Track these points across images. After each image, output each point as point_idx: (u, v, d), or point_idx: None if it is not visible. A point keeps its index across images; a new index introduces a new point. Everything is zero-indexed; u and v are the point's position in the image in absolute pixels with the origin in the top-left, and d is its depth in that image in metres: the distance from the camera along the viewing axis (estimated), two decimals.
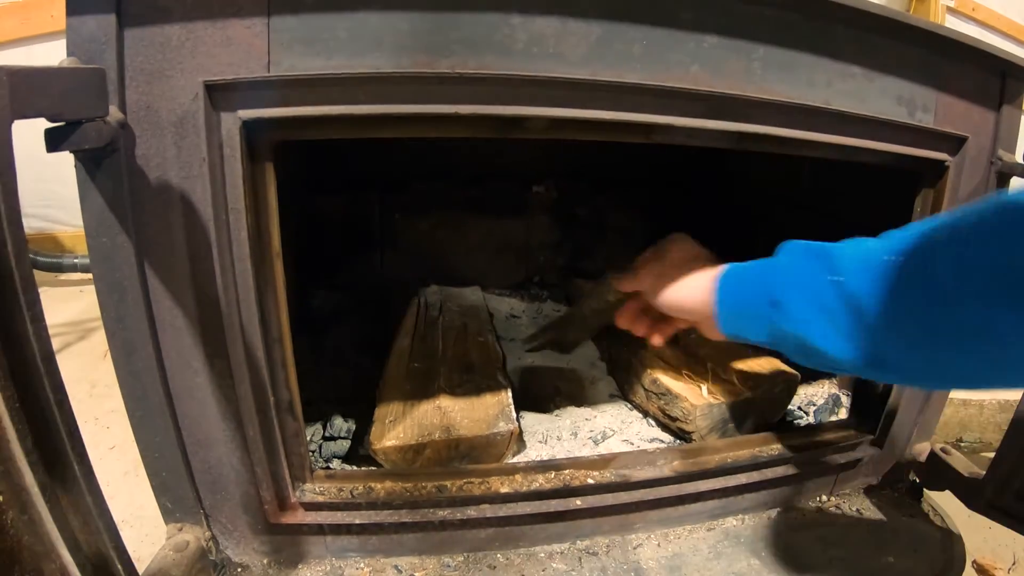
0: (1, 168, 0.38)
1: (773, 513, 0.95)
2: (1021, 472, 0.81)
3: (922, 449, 0.99)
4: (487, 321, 1.35)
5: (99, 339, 1.71)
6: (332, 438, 0.97)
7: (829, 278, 0.44)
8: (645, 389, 1.08)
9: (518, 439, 0.95)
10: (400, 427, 0.91)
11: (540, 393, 1.17)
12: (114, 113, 0.55)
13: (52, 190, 2.15)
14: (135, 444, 0.69)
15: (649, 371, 1.08)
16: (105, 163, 0.56)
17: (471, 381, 1.05)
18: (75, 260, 2.10)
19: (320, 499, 0.77)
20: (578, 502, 0.83)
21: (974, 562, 1.03)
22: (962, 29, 1.32)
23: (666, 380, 1.05)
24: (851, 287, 0.42)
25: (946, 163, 0.83)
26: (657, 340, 0.68)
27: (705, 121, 0.68)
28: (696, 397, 1.00)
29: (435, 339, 1.23)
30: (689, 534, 0.90)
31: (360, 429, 0.98)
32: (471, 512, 0.80)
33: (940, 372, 0.41)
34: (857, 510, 0.97)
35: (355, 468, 0.93)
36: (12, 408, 0.38)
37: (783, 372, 1.09)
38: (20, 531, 0.39)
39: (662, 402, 1.04)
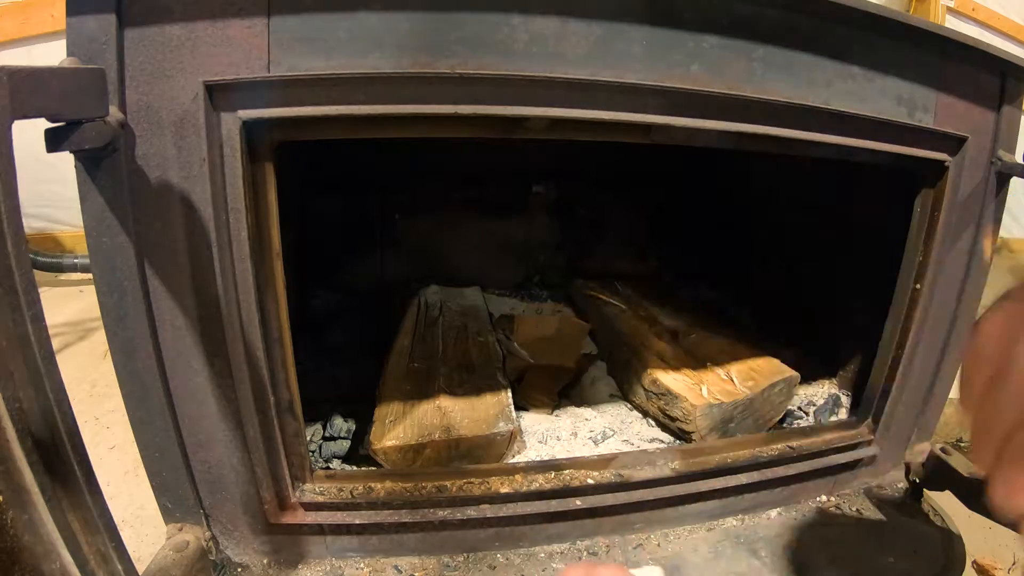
0: (1, 168, 0.38)
1: (773, 513, 0.95)
2: None
3: (922, 449, 0.99)
4: (487, 321, 1.35)
5: (99, 339, 1.71)
6: (332, 438, 0.97)
7: None
8: (645, 389, 1.08)
9: (518, 439, 0.95)
10: (400, 427, 0.91)
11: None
12: (114, 113, 0.55)
13: (52, 190, 2.16)
14: (135, 444, 0.69)
15: (649, 371, 1.08)
16: (105, 163, 0.56)
17: (471, 381, 1.05)
18: (75, 260, 2.10)
19: (320, 499, 0.77)
20: (578, 502, 0.83)
21: (974, 562, 1.03)
22: (962, 29, 1.32)
23: (666, 380, 1.05)
24: None
25: (946, 163, 0.83)
26: None
27: (705, 121, 0.68)
28: (696, 397, 1.00)
29: (435, 339, 1.23)
30: (689, 534, 0.90)
31: (360, 429, 0.98)
32: (471, 512, 0.80)
33: None
34: (857, 510, 0.97)
35: (355, 468, 0.93)
36: (12, 408, 0.38)
37: (783, 372, 1.09)
38: (20, 531, 0.39)
39: (662, 402, 1.04)
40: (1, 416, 0.37)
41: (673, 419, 1.03)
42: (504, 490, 0.81)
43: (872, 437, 0.97)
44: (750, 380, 1.06)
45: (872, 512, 0.97)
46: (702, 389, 1.03)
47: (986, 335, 0.34)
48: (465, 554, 0.84)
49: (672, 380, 1.05)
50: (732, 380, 1.06)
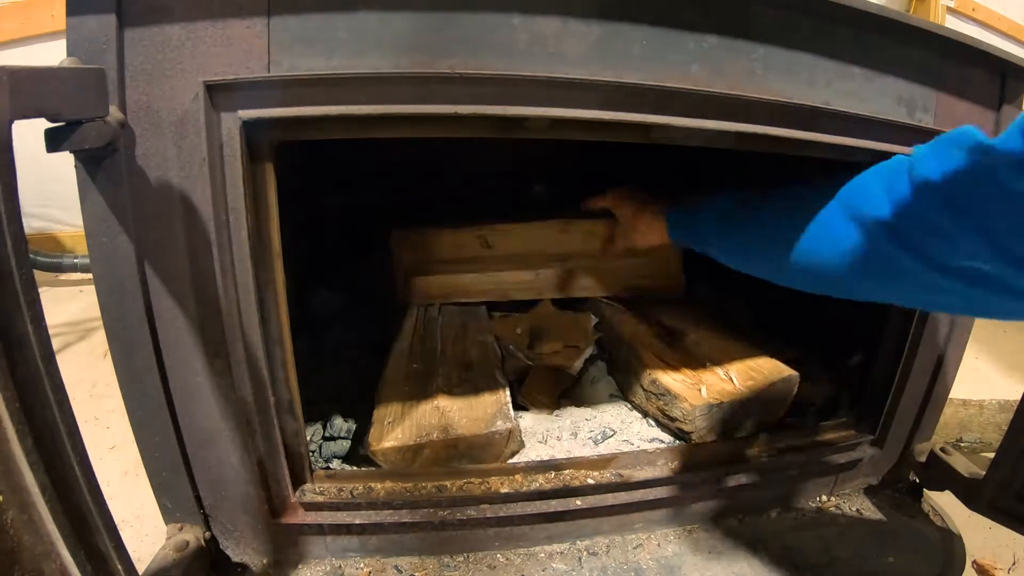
0: (1, 168, 0.38)
1: (773, 513, 0.95)
2: (1021, 472, 0.81)
3: (922, 449, 0.99)
4: (486, 320, 1.35)
5: (99, 339, 1.71)
6: (332, 438, 0.97)
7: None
8: (644, 389, 1.08)
9: (517, 438, 0.95)
10: (399, 428, 0.91)
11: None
12: (114, 113, 0.55)
13: (52, 190, 2.16)
14: (135, 444, 0.69)
15: (648, 371, 1.08)
16: (105, 163, 0.56)
17: (469, 381, 1.05)
18: (75, 260, 2.10)
19: (320, 499, 0.77)
20: (578, 502, 0.83)
21: (974, 562, 1.03)
22: (962, 29, 1.32)
23: (665, 380, 1.05)
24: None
25: None
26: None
27: (705, 121, 0.68)
28: (695, 397, 1.00)
29: (435, 339, 1.23)
30: (689, 534, 0.90)
31: (360, 429, 0.98)
32: (471, 512, 0.80)
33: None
34: (857, 510, 0.97)
35: (355, 468, 0.93)
36: (12, 408, 0.38)
37: (783, 372, 1.09)
38: (20, 531, 0.39)
39: (661, 402, 1.04)
40: (1, 416, 0.37)
41: (673, 419, 1.03)
42: (504, 490, 0.81)
43: (872, 437, 0.97)
44: (750, 380, 1.06)
45: (872, 512, 0.97)
46: (701, 389, 1.03)
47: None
48: (465, 554, 0.84)
49: (671, 380, 1.05)
50: (732, 380, 1.06)
